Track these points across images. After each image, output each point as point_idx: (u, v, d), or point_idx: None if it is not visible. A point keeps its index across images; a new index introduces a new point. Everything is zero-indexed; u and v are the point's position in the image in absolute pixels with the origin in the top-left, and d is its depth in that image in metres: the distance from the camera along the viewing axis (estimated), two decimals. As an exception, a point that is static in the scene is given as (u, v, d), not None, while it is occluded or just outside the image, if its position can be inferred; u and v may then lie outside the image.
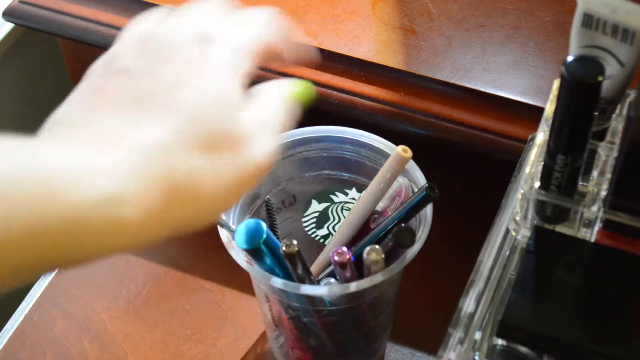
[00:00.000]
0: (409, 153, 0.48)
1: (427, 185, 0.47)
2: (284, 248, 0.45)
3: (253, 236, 0.44)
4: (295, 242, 0.45)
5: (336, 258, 0.46)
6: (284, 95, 0.36)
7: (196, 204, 0.31)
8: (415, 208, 0.47)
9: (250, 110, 0.33)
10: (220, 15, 0.35)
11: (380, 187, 0.49)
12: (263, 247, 0.44)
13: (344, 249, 0.46)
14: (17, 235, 0.26)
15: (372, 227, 0.50)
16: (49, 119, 0.32)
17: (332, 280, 0.50)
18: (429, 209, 0.48)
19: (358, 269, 0.47)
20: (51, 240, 0.27)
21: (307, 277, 0.47)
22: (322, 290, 0.47)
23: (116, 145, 0.29)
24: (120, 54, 0.33)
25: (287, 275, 0.47)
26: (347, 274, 0.47)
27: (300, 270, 0.46)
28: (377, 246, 0.46)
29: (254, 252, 0.45)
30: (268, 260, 0.46)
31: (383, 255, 0.46)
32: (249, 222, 0.45)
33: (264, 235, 0.44)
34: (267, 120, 0.34)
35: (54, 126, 0.31)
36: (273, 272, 0.46)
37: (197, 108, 0.31)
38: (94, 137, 0.29)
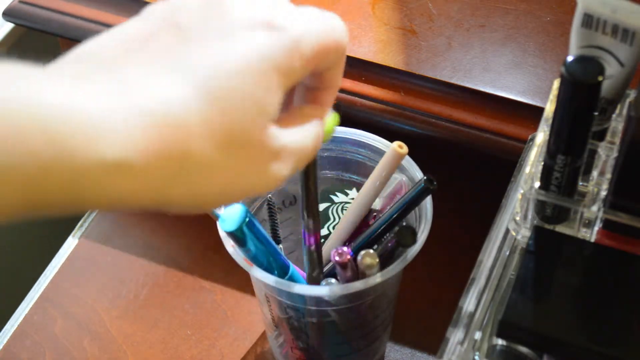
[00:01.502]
0: (405, 149, 0.48)
1: (425, 177, 0.47)
2: (337, 258, 0.45)
3: (236, 219, 0.45)
4: (346, 250, 0.45)
5: (337, 258, 0.46)
6: (323, 127, 0.35)
7: (192, 191, 0.30)
8: (413, 201, 0.47)
9: (285, 128, 0.32)
10: (291, 7, 0.33)
11: (377, 184, 0.49)
12: (245, 230, 0.45)
13: (345, 248, 0.46)
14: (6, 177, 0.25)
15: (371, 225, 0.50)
16: (77, 47, 0.30)
17: (332, 280, 0.50)
18: (429, 209, 0.48)
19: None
20: (46, 186, 0.26)
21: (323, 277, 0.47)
22: (322, 290, 0.47)
23: (134, 102, 0.28)
24: (184, 8, 0.32)
25: (272, 265, 0.47)
26: (349, 274, 0.47)
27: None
28: (371, 250, 0.46)
29: (237, 235, 0.45)
30: (252, 247, 0.46)
31: (377, 260, 0.46)
32: (233, 206, 0.45)
33: (246, 218, 0.44)
34: (298, 148, 0.33)
35: (77, 60, 0.30)
36: (256, 260, 0.46)
37: (232, 99, 0.30)
38: (115, 85, 0.28)
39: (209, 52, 0.30)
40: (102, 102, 0.27)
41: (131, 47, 0.30)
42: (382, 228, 0.48)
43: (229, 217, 0.45)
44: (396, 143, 0.49)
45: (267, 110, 0.31)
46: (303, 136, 0.33)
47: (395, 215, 0.48)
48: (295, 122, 0.33)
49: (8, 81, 0.26)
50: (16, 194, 0.26)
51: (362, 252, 0.46)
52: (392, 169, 0.49)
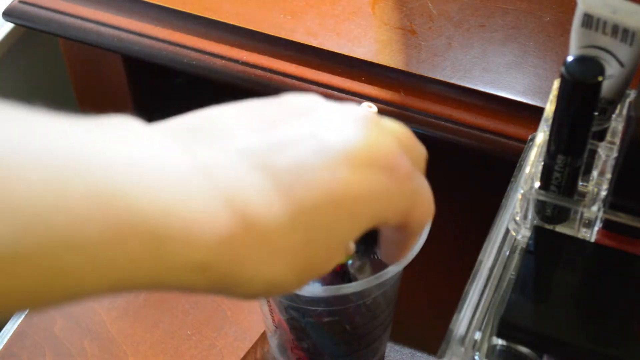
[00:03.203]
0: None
1: None
2: None
3: None
4: None
5: None
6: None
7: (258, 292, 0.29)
8: None
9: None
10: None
11: None
12: None
13: None
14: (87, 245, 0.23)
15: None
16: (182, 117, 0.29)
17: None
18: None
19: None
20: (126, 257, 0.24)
21: None
22: (320, 291, 0.47)
23: (223, 195, 0.27)
24: (321, 118, 0.31)
25: None
26: (331, 276, 0.47)
27: None
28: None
29: None
30: None
31: (368, 263, 0.46)
32: None
33: None
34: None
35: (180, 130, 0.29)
36: None
37: (320, 231, 0.29)
38: (204, 177, 0.27)
39: (316, 172, 0.29)
40: (196, 202, 0.26)
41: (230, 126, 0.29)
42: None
43: None
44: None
45: (346, 249, 0.31)
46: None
47: None
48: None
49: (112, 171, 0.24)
50: (104, 282, 0.24)
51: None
52: None
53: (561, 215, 0.42)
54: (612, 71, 0.40)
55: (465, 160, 0.68)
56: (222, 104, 0.31)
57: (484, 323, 0.40)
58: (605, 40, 0.39)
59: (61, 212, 0.22)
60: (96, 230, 0.23)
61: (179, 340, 0.60)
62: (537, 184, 0.41)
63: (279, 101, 0.32)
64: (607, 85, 0.40)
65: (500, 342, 0.40)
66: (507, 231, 0.43)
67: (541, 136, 0.42)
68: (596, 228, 0.42)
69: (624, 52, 0.39)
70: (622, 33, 0.38)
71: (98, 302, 0.62)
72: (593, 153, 0.42)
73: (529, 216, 0.42)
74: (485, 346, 0.40)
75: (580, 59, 0.36)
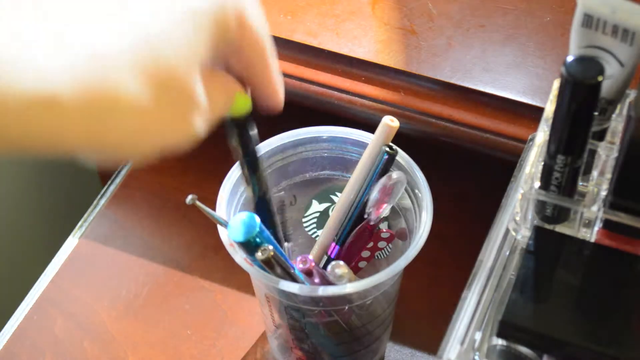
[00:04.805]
0: (396, 122, 0.49)
1: (384, 148, 0.48)
2: (259, 254, 0.44)
3: (247, 228, 0.44)
4: (270, 247, 0.44)
5: (300, 266, 0.46)
6: (234, 94, 0.36)
7: (121, 135, 0.29)
8: (382, 172, 0.49)
9: (208, 85, 0.32)
10: None
11: (369, 160, 0.50)
12: (257, 239, 0.44)
13: (309, 257, 0.46)
14: None
15: (364, 217, 0.50)
16: None
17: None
18: (429, 208, 0.48)
19: (345, 258, 0.49)
20: None
21: (289, 278, 0.47)
22: (319, 291, 0.47)
23: (59, 39, 0.27)
24: None
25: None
26: (316, 280, 0.47)
27: (279, 272, 0.46)
28: (341, 262, 0.46)
29: (248, 245, 0.44)
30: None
31: (347, 269, 0.46)
32: (242, 214, 0.44)
33: (257, 228, 0.44)
34: (217, 108, 0.33)
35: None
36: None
37: (161, 38, 0.30)
38: (38, 24, 0.28)
39: None
40: (23, 40, 0.27)
41: None
42: (360, 203, 0.50)
43: (238, 225, 0.44)
44: (387, 117, 0.49)
45: (196, 53, 0.31)
46: (222, 98, 0.34)
47: (368, 190, 0.49)
48: (217, 83, 0.34)
49: None
50: None
51: (332, 264, 0.46)
52: (384, 142, 0.49)
53: (561, 215, 0.42)
54: (612, 71, 0.40)
55: (465, 160, 0.68)
56: None
57: (484, 323, 0.40)
58: (605, 40, 0.39)
59: None
60: None
61: (179, 340, 0.60)
62: (537, 184, 0.41)
63: None
64: (607, 85, 0.40)
65: (500, 342, 0.40)
66: (507, 231, 0.43)
67: (541, 136, 0.42)
68: (596, 228, 0.42)
69: (624, 52, 0.39)
70: (622, 33, 0.38)
71: (98, 302, 0.62)
72: (593, 153, 0.42)
73: (529, 216, 0.42)
74: (485, 346, 0.40)
75: (580, 59, 0.36)
